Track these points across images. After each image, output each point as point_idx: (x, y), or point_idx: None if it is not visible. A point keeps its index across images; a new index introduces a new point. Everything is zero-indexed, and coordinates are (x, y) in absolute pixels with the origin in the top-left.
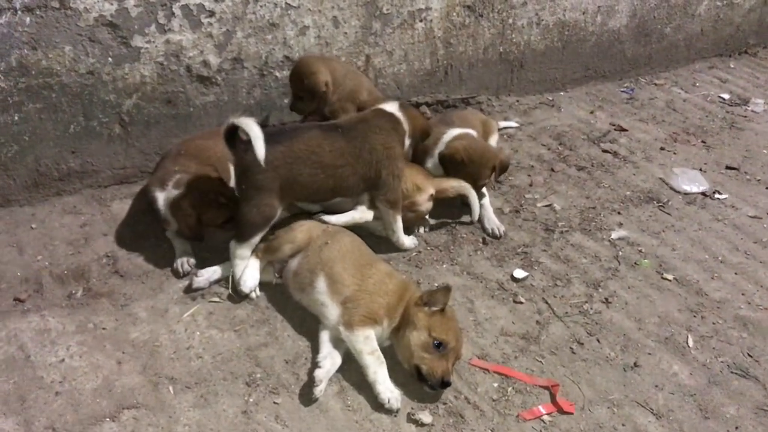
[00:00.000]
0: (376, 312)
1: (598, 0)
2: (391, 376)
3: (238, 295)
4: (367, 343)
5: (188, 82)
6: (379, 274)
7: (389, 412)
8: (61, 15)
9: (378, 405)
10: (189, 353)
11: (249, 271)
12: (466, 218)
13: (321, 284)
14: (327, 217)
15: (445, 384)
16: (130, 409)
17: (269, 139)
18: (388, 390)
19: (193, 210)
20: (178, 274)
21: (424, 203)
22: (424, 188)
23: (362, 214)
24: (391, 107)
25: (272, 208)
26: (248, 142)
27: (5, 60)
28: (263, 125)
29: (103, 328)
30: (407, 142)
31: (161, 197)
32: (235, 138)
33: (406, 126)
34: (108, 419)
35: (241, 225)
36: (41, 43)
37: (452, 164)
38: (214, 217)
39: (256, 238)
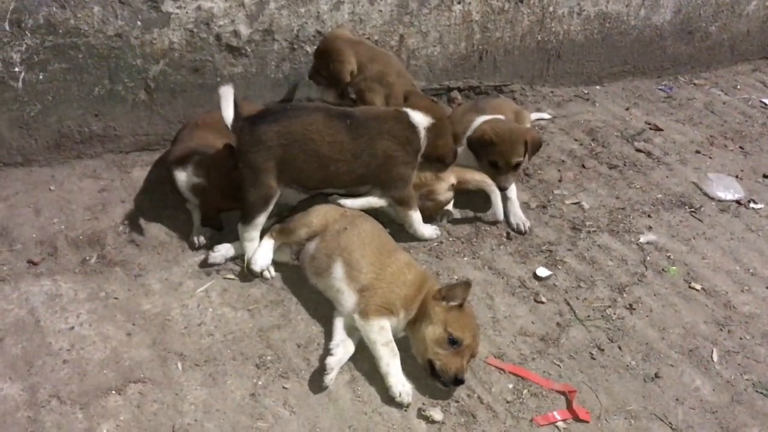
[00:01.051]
0: (393, 302)
1: None
2: (404, 369)
3: (251, 274)
4: (382, 334)
5: (217, 51)
6: (398, 264)
7: (400, 405)
8: None
9: (389, 398)
10: (200, 330)
11: (261, 250)
12: (490, 208)
13: (338, 270)
14: (342, 201)
15: (458, 381)
16: (136, 383)
17: (268, 117)
18: (399, 383)
19: (213, 203)
20: (193, 246)
21: (443, 193)
22: (444, 177)
23: (378, 199)
24: (420, 119)
25: (269, 188)
26: (246, 120)
27: (33, 17)
28: (287, 99)
29: (115, 298)
30: (418, 158)
31: (181, 177)
32: (234, 116)
33: (423, 144)
34: (113, 392)
35: (244, 206)
36: (70, 2)
37: (482, 146)
38: (231, 208)
39: (260, 219)
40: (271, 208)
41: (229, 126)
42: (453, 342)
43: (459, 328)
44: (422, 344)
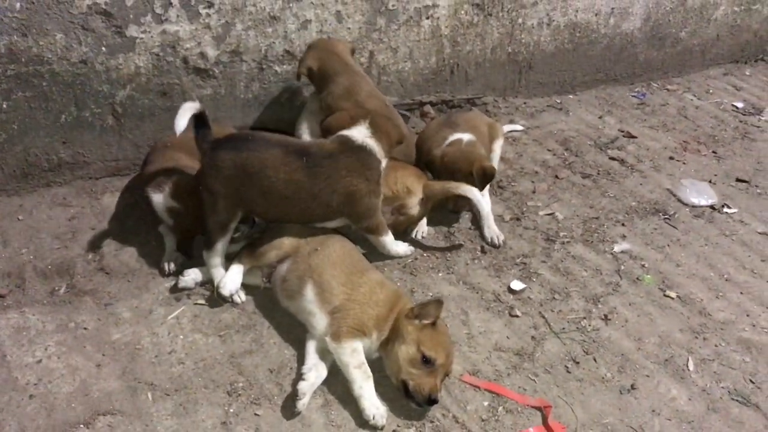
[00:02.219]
0: (365, 323)
1: (612, 2)
2: (379, 390)
3: (221, 299)
4: (354, 356)
5: (184, 74)
6: (370, 283)
7: (374, 429)
8: (52, 1)
9: (363, 421)
10: (171, 358)
11: (230, 275)
12: (464, 224)
13: (309, 292)
14: None
15: (431, 401)
16: (105, 416)
17: (228, 144)
18: (373, 406)
19: (188, 227)
20: (163, 273)
21: (414, 207)
22: (414, 191)
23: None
24: (361, 134)
25: (224, 214)
26: (210, 143)
27: None
28: (259, 128)
29: (84, 328)
30: (384, 163)
31: (157, 200)
32: (201, 136)
33: (380, 152)
34: (82, 426)
35: (206, 232)
36: (32, 30)
37: (430, 169)
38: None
39: (220, 245)
40: (229, 234)
41: (177, 132)
42: (426, 361)
43: (432, 346)
44: (395, 364)
